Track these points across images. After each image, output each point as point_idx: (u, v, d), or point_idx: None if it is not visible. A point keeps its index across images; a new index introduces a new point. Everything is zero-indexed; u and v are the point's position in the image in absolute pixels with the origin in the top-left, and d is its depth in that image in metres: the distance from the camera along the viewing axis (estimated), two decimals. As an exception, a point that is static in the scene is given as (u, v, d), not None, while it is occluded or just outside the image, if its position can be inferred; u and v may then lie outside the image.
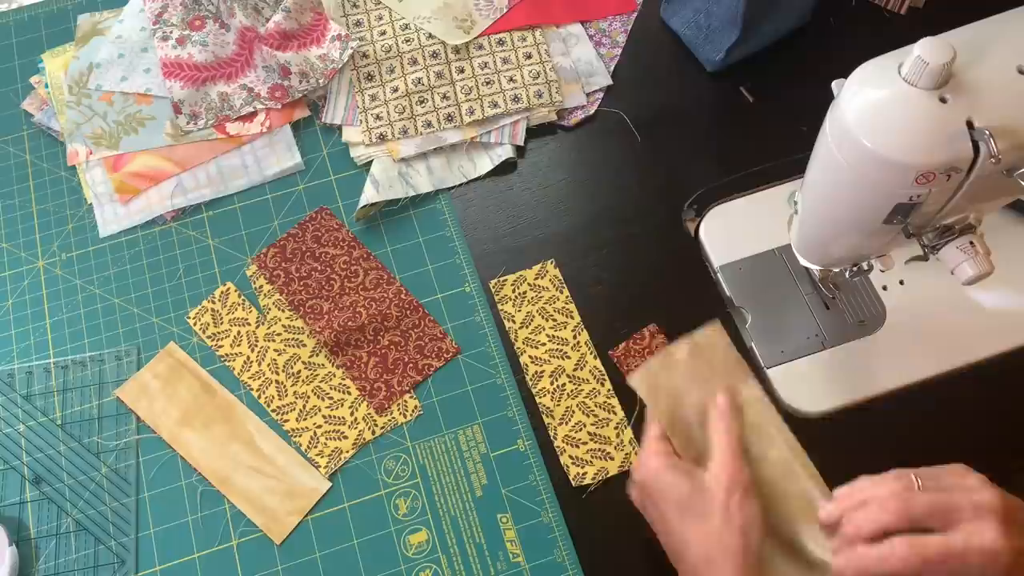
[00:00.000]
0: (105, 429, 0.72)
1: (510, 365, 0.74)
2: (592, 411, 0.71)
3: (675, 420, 0.59)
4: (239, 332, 0.76)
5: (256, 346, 0.75)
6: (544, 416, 0.72)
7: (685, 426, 0.59)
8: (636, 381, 0.61)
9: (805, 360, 0.73)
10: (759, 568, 0.54)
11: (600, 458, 0.70)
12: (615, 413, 0.71)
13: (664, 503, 0.56)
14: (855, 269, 0.68)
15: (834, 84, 0.57)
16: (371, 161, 0.82)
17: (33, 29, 0.91)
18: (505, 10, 0.88)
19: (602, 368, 0.73)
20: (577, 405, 0.72)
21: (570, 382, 0.72)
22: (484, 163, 0.83)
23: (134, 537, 0.69)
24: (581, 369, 0.73)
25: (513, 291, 0.76)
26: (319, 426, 0.72)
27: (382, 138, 0.83)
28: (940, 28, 0.54)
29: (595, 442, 0.70)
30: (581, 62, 0.87)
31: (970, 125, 0.51)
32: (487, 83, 0.84)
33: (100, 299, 0.78)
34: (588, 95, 0.85)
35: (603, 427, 0.71)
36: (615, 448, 0.70)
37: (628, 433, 0.70)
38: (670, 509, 0.56)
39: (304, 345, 0.75)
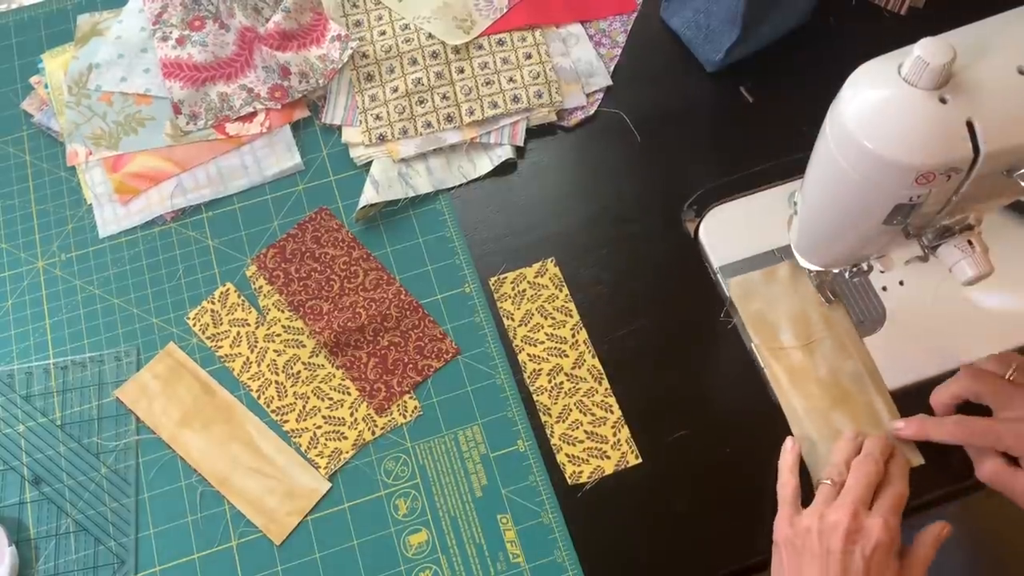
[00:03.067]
0: (105, 430, 0.72)
1: (510, 365, 0.74)
2: (589, 410, 0.71)
3: (763, 322, 0.71)
4: (239, 333, 0.76)
5: (256, 347, 0.75)
6: (541, 414, 0.72)
7: (772, 327, 0.71)
8: (734, 286, 0.73)
9: (805, 360, 0.73)
10: None
11: (596, 457, 0.70)
12: (612, 412, 0.71)
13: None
14: (855, 269, 0.68)
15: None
16: (371, 161, 0.82)
17: (33, 29, 0.91)
18: (505, 10, 0.88)
19: (600, 367, 0.73)
20: (574, 404, 0.72)
21: (568, 380, 0.72)
22: (484, 163, 0.83)
23: (134, 537, 0.69)
24: (579, 368, 0.73)
25: (512, 289, 0.76)
26: (319, 427, 0.72)
27: (382, 138, 0.83)
28: (940, 28, 0.54)
29: (592, 441, 0.70)
30: (581, 62, 0.87)
31: (970, 125, 0.51)
32: (487, 83, 0.84)
33: (100, 299, 0.78)
34: (588, 95, 0.85)
35: (600, 426, 0.71)
36: (611, 447, 0.70)
37: (625, 432, 0.70)
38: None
39: (304, 346, 0.75)
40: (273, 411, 0.73)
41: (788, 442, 0.68)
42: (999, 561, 0.78)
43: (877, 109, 0.53)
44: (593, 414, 0.71)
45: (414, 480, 0.70)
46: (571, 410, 0.71)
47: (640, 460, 0.70)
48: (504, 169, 0.83)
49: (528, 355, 0.74)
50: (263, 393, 0.73)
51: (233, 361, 0.75)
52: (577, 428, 0.71)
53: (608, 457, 0.70)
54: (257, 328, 0.76)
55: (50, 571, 0.68)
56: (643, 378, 0.73)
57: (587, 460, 0.70)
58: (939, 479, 0.68)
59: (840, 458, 0.65)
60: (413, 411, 0.73)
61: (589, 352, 0.73)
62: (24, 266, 0.80)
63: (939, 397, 0.68)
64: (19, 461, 0.71)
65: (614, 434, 0.70)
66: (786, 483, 0.65)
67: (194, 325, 0.76)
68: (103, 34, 0.89)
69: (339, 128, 0.85)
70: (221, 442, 0.72)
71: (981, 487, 0.69)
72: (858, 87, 0.55)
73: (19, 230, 0.81)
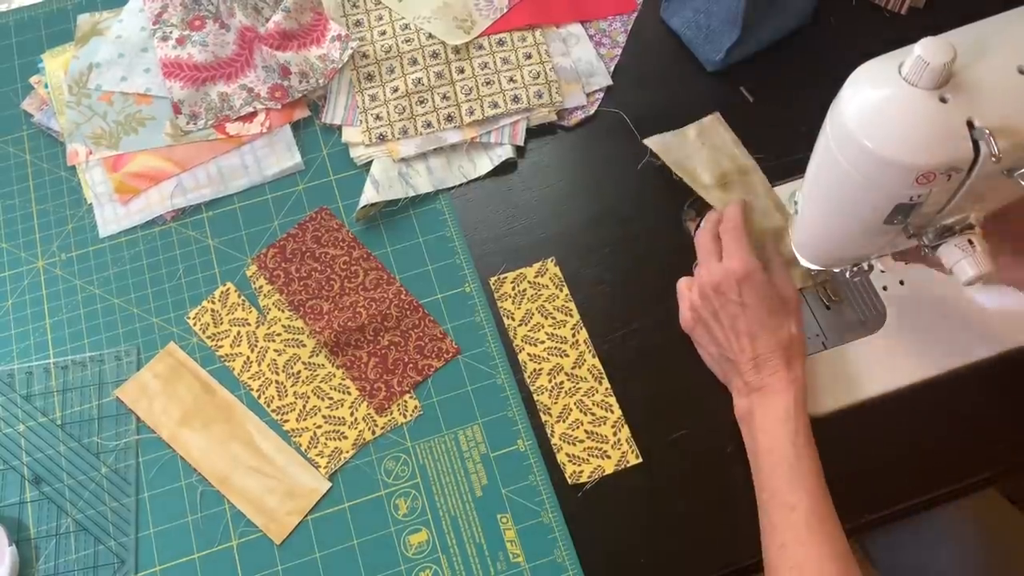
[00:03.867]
0: (105, 429, 0.72)
1: (510, 365, 0.74)
2: (589, 409, 0.71)
3: (684, 168, 0.79)
4: (239, 332, 0.76)
5: (256, 346, 0.75)
6: (541, 414, 0.72)
7: (691, 172, 0.79)
8: (651, 141, 0.80)
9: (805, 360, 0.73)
10: None
11: (596, 456, 0.70)
12: (612, 412, 0.71)
13: (757, 296, 0.67)
14: (855, 269, 0.68)
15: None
16: (371, 161, 0.82)
17: (33, 29, 0.91)
18: (505, 10, 0.88)
19: (600, 367, 0.73)
20: (575, 403, 0.72)
21: (568, 380, 0.72)
22: (484, 163, 0.83)
23: (134, 537, 0.69)
24: (579, 367, 0.73)
25: (513, 289, 0.76)
26: (319, 426, 0.72)
27: (382, 138, 0.83)
28: (940, 28, 0.54)
29: (592, 440, 0.70)
30: (581, 62, 0.87)
31: (970, 125, 0.51)
32: (487, 83, 0.84)
33: (100, 299, 0.78)
34: (588, 95, 0.85)
35: (600, 425, 0.71)
36: (612, 447, 0.70)
37: (625, 431, 0.70)
38: (760, 301, 0.67)
39: (304, 345, 0.75)
40: (273, 411, 0.73)
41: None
42: (998, 560, 0.78)
43: (877, 109, 0.53)
44: (593, 414, 0.71)
45: (414, 480, 0.70)
46: (571, 410, 0.71)
47: (640, 460, 0.70)
48: (504, 169, 0.83)
49: (528, 355, 0.74)
50: (263, 393, 0.73)
51: (233, 361, 0.75)
52: (577, 428, 0.71)
53: (608, 457, 0.70)
54: (257, 328, 0.76)
55: (50, 571, 0.68)
56: (643, 378, 0.73)
57: (587, 460, 0.70)
58: (940, 478, 0.68)
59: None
60: (413, 411, 0.73)
61: (589, 352, 0.74)
62: (24, 266, 0.80)
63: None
64: (19, 461, 0.71)
65: (614, 433, 0.70)
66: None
67: (194, 325, 0.76)
68: (103, 34, 0.89)
69: (339, 128, 0.85)
70: (221, 441, 0.72)
71: (981, 487, 0.69)
72: (858, 87, 0.55)
73: (19, 230, 0.81)
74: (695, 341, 0.73)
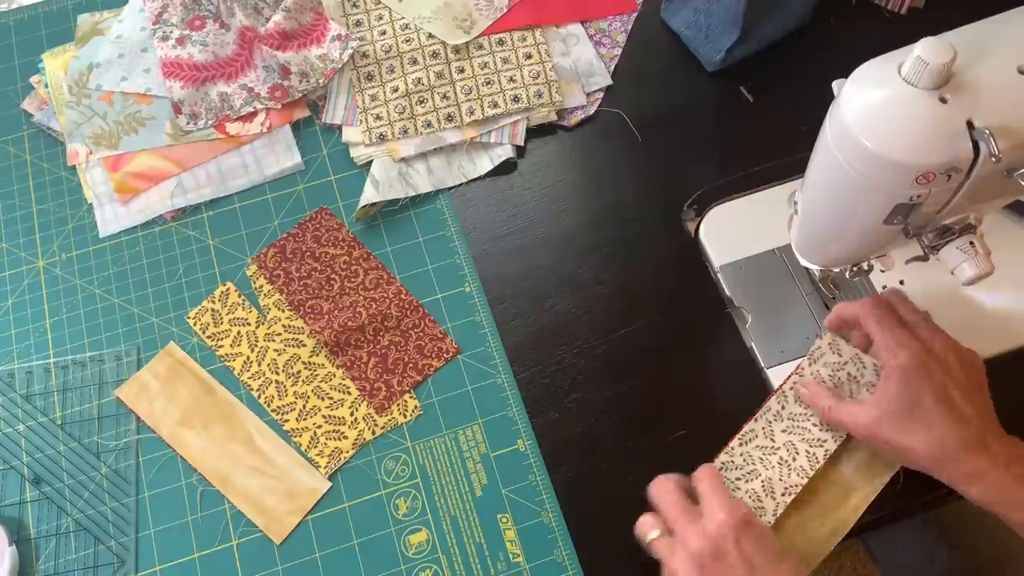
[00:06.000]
0: (105, 429, 0.72)
1: (510, 365, 0.74)
2: (327, 394, 0.72)
3: None
4: (239, 332, 0.76)
5: (256, 346, 0.75)
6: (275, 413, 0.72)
7: None
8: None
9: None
10: None
11: (335, 439, 0.71)
12: (350, 393, 0.72)
13: (760, 547, 0.58)
14: (855, 269, 0.68)
15: (835, 84, 0.57)
16: (371, 161, 0.82)
17: (33, 29, 0.91)
18: (505, 10, 0.88)
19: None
20: (312, 390, 0.72)
21: (305, 368, 0.73)
22: (484, 163, 0.83)
23: (134, 537, 0.69)
24: (316, 355, 0.74)
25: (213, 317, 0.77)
26: (319, 426, 0.72)
27: (382, 138, 0.83)
28: (940, 28, 0.54)
29: (330, 424, 0.72)
30: (581, 62, 0.87)
31: (970, 125, 0.51)
32: (487, 83, 0.84)
33: (100, 299, 0.78)
34: (588, 95, 0.85)
35: (337, 408, 0.72)
36: (348, 427, 0.71)
37: (363, 409, 0.71)
38: (766, 551, 0.58)
39: (304, 345, 0.75)
40: (273, 410, 0.73)
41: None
42: (999, 560, 0.78)
43: (877, 109, 0.53)
44: (331, 397, 0.72)
45: (414, 480, 0.70)
46: (309, 397, 0.72)
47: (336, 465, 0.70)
48: (504, 169, 0.83)
49: (273, 349, 0.74)
50: (263, 392, 0.73)
51: (233, 360, 0.75)
52: (316, 414, 0.72)
53: (346, 437, 0.71)
54: (257, 327, 0.76)
55: (50, 570, 0.68)
56: (643, 378, 0.73)
57: (326, 443, 0.70)
58: (933, 482, 0.68)
59: (647, 519, 0.63)
60: (413, 410, 0.73)
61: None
62: (24, 265, 0.80)
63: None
64: (19, 460, 0.71)
65: (351, 414, 0.72)
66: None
67: (194, 324, 0.76)
68: (103, 34, 0.89)
69: (339, 128, 0.85)
70: (221, 441, 0.72)
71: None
72: (858, 87, 0.55)
73: (19, 230, 0.81)
74: None
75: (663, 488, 0.63)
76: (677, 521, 0.60)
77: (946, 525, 0.80)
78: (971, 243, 0.60)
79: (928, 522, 0.80)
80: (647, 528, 0.62)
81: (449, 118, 0.83)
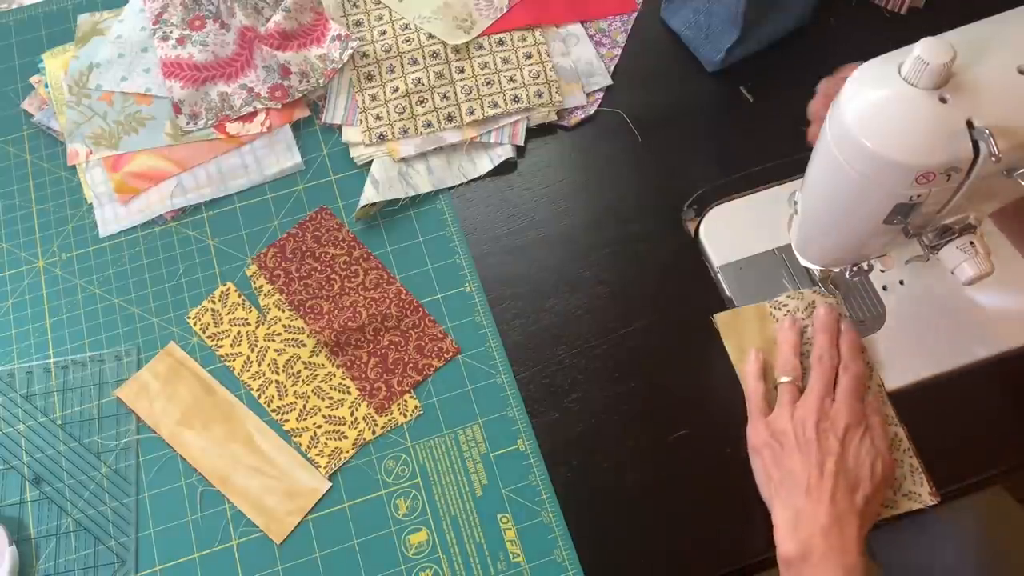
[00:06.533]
0: (105, 429, 0.72)
1: (510, 365, 0.74)
2: (327, 394, 0.73)
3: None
4: (239, 332, 0.76)
5: (256, 346, 0.75)
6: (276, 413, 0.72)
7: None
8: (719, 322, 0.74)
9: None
10: None
11: (335, 439, 0.71)
12: (350, 393, 0.72)
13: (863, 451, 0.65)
14: (855, 269, 0.68)
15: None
16: (371, 161, 0.82)
17: (33, 29, 0.91)
18: (505, 10, 0.88)
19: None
20: (312, 391, 0.73)
21: (305, 368, 0.74)
22: (484, 163, 0.83)
23: (134, 537, 0.69)
24: (316, 356, 0.74)
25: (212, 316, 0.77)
26: (319, 426, 0.72)
27: (382, 138, 0.83)
28: (940, 28, 0.54)
29: (330, 424, 0.72)
30: (581, 62, 0.87)
31: (970, 125, 0.51)
32: (487, 83, 0.84)
33: (100, 299, 0.78)
34: (588, 95, 0.85)
35: (337, 408, 0.72)
36: (348, 427, 0.71)
37: (363, 409, 0.72)
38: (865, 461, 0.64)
39: (304, 345, 0.75)
40: (273, 410, 0.73)
41: (751, 352, 0.71)
42: (1003, 558, 0.78)
43: (877, 109, 0.53)
44: (331, 397, 0.73)
45: (414, 479, 0.70)
46: (309, 397, 0.73)
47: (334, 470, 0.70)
48: (504, 168, 0.83)
49: (273, 349, 0.74)
50: (263, 392, 0.73)
51: (233, 360, 0.75)
52: (316, 414, 0.72)
53: (346, 437, 0.71)
54: (257, 327, 0.76)
55: (50, 570, 0.68)
56: (643, 378, 0.73)
57: (326, 443, 0.70)
58: (942, 477, 0.68)
59: (787, 349, 0.71)
60: (413, 410, 0.73)
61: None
62: (24, 265, 0.80)
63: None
64: (19, 460, 0.71)
65: (351, 414, 0.71)
66: (754, 390, 0.70)
67: (194, 324, 0.76)
68: (103, 34, 0.89)
69: (339, 128, 0.85)
70: (221, 441, 0.72)
71: (984, 485, 0.69)
72: (858, 87, 0.55)
73: (19, 230, 0.81)
74: (759, 456, 0.68)
75: (828, 343, 0.70)
76: (814, 387, 0.68)
77: (950, 523, 0.80)
78: (971, 243, 0.60)
79: (933, 520, 0.80)
80: (785, 369, 0.70)
81: (449, 118, 0.83)
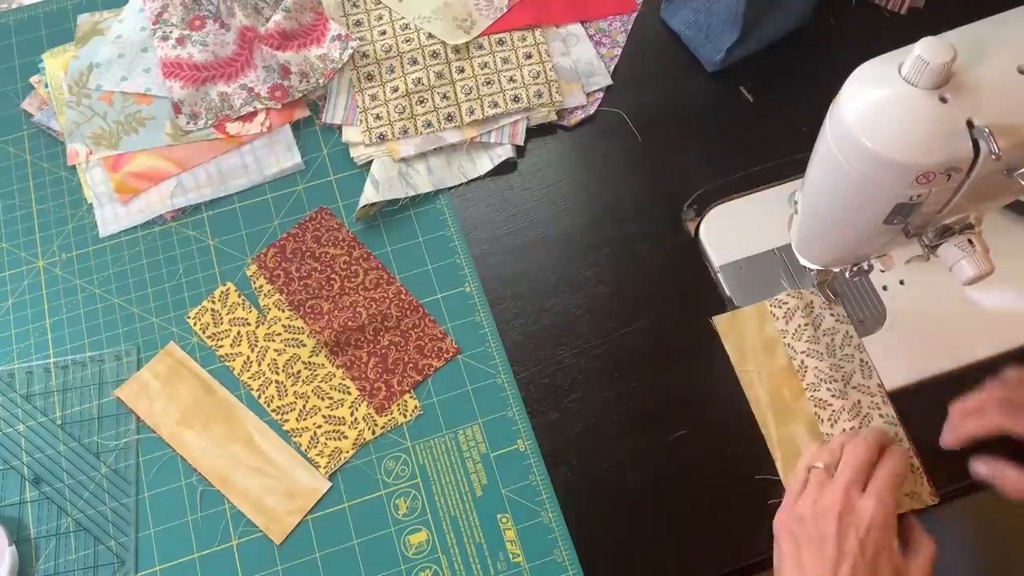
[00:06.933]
0: (105, 429, 0.72)
1: (510, 365, 0.74)
2: (327, 394, 0.73)
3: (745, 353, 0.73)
4: (239, 332, 0.76)
5: (256, 346, 0.75)
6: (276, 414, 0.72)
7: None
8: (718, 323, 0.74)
9: (805, 360, 0.73)
10: None
11: (334, 439, 0.71)
12: (350, 393, 0.72)
13: (879, 548, 0.58)
14: (855, 269, 0.68)
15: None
16: (371, 161, 0.82)
17: (33, 29, 0.91)
18: (505, 10, 0.88)
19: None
20: (312, 391, 0.73)
21: (305, 368, 0.74)
22: (484, 163, 0.83)
23: (134, 537, 0.69)
24: (316, 355, 0.74)
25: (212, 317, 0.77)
26: (319, 426, 0.72)
27: (382, 138, 0.83)
28: (940, 28, 0.54)
29: (329, 424, 0.72)
30: (581, 62, 0.87)
31: (970, 125, 0.51)
32: (487, 83, 0.84)
33: (100, 299, 0.78)
34: (588, 95, 0.85)
35: (337, 408, 0.72)
36: (348, 427, 0.71)
37: (363, 409, 0.72)
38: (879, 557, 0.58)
39: (304, 345, 0.75)
40: (273, 410, 0.73)
41: (811, 449, 0.66)
42: (1001, 559, 0.78)
43: (877, 108, 0.53)
44: (331, 397, 0.72)
45: (414, 480, 0.70)
46: (309, 397, 0.73)
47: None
48: (504, 168, 0.83)
49: (274, 349, 0.74)
50: (263, 392, 0.73)
51: (233, 360, 0.75)
52: (316, 414, 0.72)
53: (346, 437, 0.71)
54: (257, 327, 0.76)
55: (50, 570, 0.68)
56: (643, 378, 0.73)
57: (326, 443, 0.70)
58: (941, 478, 0.68)
59: (836, 443, 0.65)
60: (413, 410, 0.73)
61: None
62: (24, 265, 0.80)
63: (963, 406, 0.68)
64: (19, 460, 0.71)
65: (351, 413, 0.72)
66: (797, 475, 0.64)
67: (194, 324, 0.76)
68: (103, 33, 0.89)
69: (339, 128, 0.85)
70: (221, 441, 0.72)
71: (983, 486, 0.69)
72: (858, 87, 0.55)
73: (19, 230, 0.81)
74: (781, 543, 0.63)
75: (867, 442, 0.63)
76: (844, 472, 0.61)
77: (948, 524, 0.80)
78: (969, 240, 0.60)
79: (930, 521, 0.80)
80: (821, 455, 0.63)
81: (449, 118, 0.83)
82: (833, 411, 0.69)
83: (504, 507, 0.69)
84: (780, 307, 0.73)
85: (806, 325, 0.72)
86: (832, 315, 0.73)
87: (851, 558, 0.57)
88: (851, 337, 0.72)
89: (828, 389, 0.70)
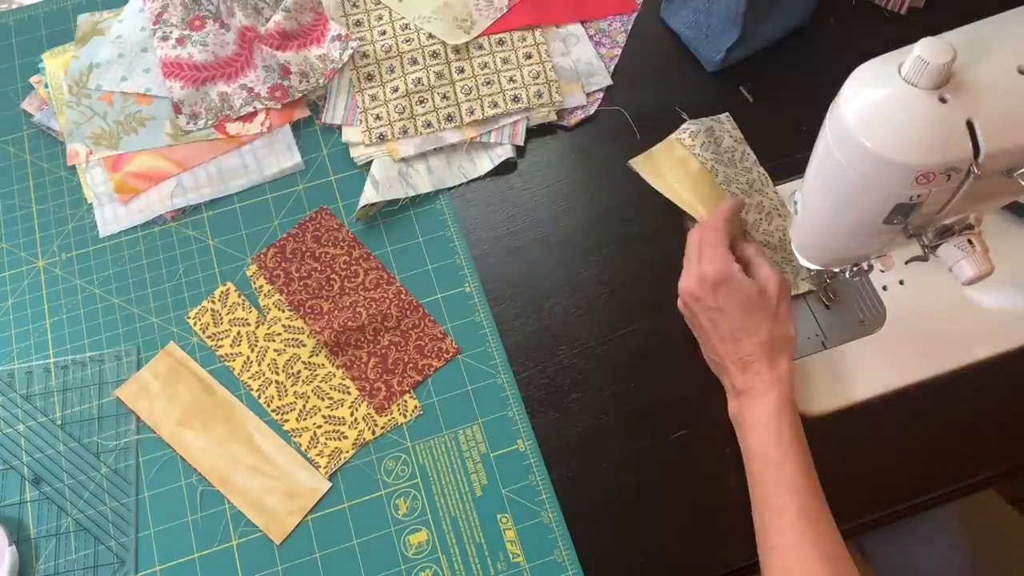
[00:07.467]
0: (105, 429, 0.72)
1: (510, 365, 0.74)
2: (327, 394, 0.73)
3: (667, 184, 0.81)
4: (239, 332, 0.76)
5: (256, 346, 0.75)
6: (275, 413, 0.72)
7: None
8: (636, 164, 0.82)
9: (805, 360, 0.73)
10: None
11: (334, 439, 0.71)
12: (349, 393, 0.72)
13: (733, 299, 0.67)
14: (855, 269, 0.68)
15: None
16: (371, 161, 0.82)
17: (33, 29, 0.91)
18: (505, 10, 0.88)
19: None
20: (312, 391, 0.73)
21: (305, 368, 0.74)
22: (484, 163, 0.83)
23: (134, 537, 0.69)
24: (316, 355, 0.75)
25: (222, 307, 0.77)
26: (319, 426, 0.72)
27: (382, 138, 0.83)
28: (940, 28, 0.54)
29: (329, 424, 0.72)
30: (581, 62, 0.87)
31: (970, 125, 0.51)
32: (487, 83, 0.84)
33: (100, 299, 0.78)
34: (588, 95, 0.85)
35: (337, 408, 0.72)
36: (349, 427, 0.71)
37: (363, 409, 0.72)
38: (736, 304, 0.67)
39: (304, 345, 0.75)
40: (273, 410, 0.73)
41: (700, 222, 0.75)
42: (997, 561, 0.78)
43: (877, 108, 0.53)
44: (331, 397, 0.73)
45: (414, 480, 0.70)
46: (309, 397, 0.73)
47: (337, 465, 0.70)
48: (504, 168, 0.83)
49: (273, 349, 0.74)
50: (263, 392, 0.73)
51: (233, 360, 0.75)
52: (316, 414, 0.72)
53: (346, 437, 0.71)
54: (257, 327, 0.76)
55: (50, 570, 0.68)
56: (644, 378, 0.73)
57: (326, 443, 0.71)
58: (939, 479, 0.68)
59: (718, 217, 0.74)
60: (413, 410, 0.73)
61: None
62: (24, 266, 0.80)
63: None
64: (19, 460, 0.71)
65: (351, 413, 0.72)
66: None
67: (194, 324, 0.76)
68: (103, 34, 0.89)
69: (339, 128, 0.85)
70: (221, 441, 0.72)
71: (981, 487, 0.69)
72: (858, 87, 0.55)
73: (19, 230, 0.81)
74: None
75: (690, 235, 0.72)
76: (684, 264, 0.72)
77: (945, 525, 0.80)
78: (969, 240, 0.60)
79: (927, 522, 0.80)
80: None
81: (449, 118, 0.83)
82: (745, 205, 0.78)
83: (504, 507, 0.69)
84: (684, 133, 0.81)
85: (709, 143, 0.80)
86: (731, 137, 0.81)
87: (720, 315, 0.68)
88: (748, 155, 0.80)
89: (737, 187, 0.78)
